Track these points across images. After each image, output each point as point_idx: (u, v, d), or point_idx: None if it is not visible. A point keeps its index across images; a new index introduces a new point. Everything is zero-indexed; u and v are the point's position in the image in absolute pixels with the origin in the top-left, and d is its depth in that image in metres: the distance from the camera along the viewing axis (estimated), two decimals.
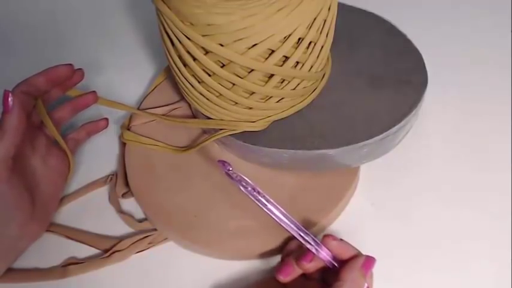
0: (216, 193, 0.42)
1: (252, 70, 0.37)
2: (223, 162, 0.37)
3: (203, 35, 0.35)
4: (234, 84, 0.38)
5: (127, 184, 0.44)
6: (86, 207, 0.44)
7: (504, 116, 0.48)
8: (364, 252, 0.34)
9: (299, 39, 0.36)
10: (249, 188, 0.36)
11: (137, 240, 0.41)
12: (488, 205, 0.41)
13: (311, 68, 0.39)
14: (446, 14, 0.59)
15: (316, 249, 0.34)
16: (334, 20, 0.39)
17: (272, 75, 0.37)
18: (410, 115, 0.40)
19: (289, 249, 0.37)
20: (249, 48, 0.35)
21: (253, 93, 0.38)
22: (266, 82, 0.38)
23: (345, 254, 0.34)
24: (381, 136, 0.39)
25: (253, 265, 0.39)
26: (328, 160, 0.40)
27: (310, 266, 0.34)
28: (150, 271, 0.40)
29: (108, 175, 0.46)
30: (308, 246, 0.34)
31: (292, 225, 0.35)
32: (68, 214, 0.44)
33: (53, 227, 0.42)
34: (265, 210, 0.36)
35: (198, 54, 0.36)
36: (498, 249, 0.39)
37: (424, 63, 0.44)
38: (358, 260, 0.33)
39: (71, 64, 0.41)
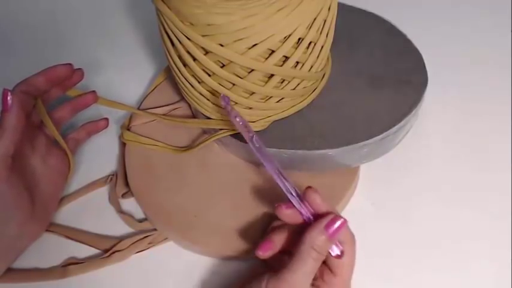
0: (216, 193, 0.42)
1: (252, 70, 0.37)
2: (224, 97, 0.37)
3: (203, 35, 0.35)
4: (234, 84, 0.38)
5: (127, 184, 0.44)
6: (86, 207, 0.44)
7: (504, 116, 0.48)
8: (364, 253, 0.34)
9: (299, 39, 0.36)
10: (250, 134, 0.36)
11: (137, 240, 0.41)
12: (488, 205, 0.41)
13: (311, 68, 0.39)
14: (446, 14, 0.59)
15: (298, 202, 0.33)
16: (334, 20, 0.39)
17: (272, 75, 0.37)
18: (410, 115, 0.40)
19: (271, 228, 0.36)
20: (249, 48, 0.35)
21: (253, 93, 0.38)
22: (266, 82, 0.38)
23: (320, 210, 0.33)
24: (381, 136, 0.39)
25: (254, 265, 0.39)
26: (328, 160, 0.40)
27: (287, 214, 0.33)
28: (150, 271, 0.40)
29: (108, 175, 0.46)
30: (289, 196, 0.33)
31: (277, 172, 0.34)
32: (68, 214, 0.44)
33: (53, 227, 0.42)
34: (254, 150, 0.36)
35: (198, 54, 0.36)
36: (498, 249, 0.39)
37: (424, 63, 0.44)
38: (322, 220, 0.32)
39: (70, 64, 0.42)
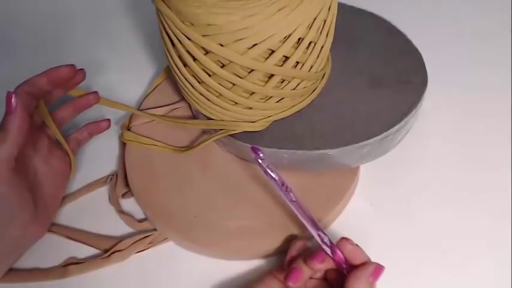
0: (216, 193, 0.42)
1: (252, 70, 0.37)
2: (255, 149, 0.36)
3: (203, 35, 0.35)
4: (234, 84, 0.38)
5: (127, 184, 0.44)
6: (86, 207, 0.44)
7: (504, 116, 0.48)
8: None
9: (299, 39, 0.36)
10: (277, 180, 0.36)
11: (137, 240, 0.41)
12: (488, 205, 0.41)
13: (311, 68, 0.39)
14: (446, 14, 0.59)
15: (331, 251, 0.33)
16: (334, 20, 0.39)
17: (272, 75, 0.37)
18: (410, 115, 0.40)
19: (293, 255, 0.36)
20: (249, 48, 0.35)
21: (253, 93, 0.38)
22: (266, 82, 0.38)
23: (357, 260, 0.33)
24: (381, 136, 0.39)
25: (253, 265, 0.39)
26: (328, 160, 0.40)
27: (321, 267, 0.33)
28: (150, 271, 0.40)
29: (108, 175, 0.46)
30: (323, 246, 0.33)
31: (311, 223, 0.35)
32: (68, 214, 0.44)
33: (53, 227, 0.42)
34: (289, 203, 0.36)
35: (198, 54, 0.36)
36: (498, 249, 0.39)
37: (424, 63, 0.45)
38: (368, 268, 0.32)
39: (73, 65, 0.42)
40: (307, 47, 0.37)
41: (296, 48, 0.36)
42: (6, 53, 0.59)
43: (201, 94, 0.40)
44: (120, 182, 0.45)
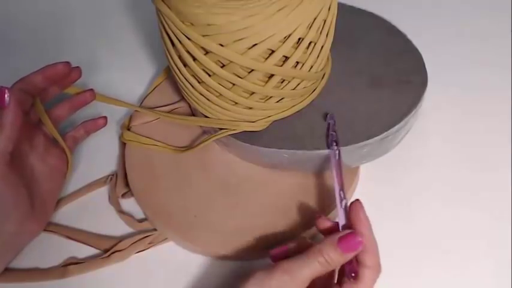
0: (216, 193, 0.42)
1: (252, 70, 0.37)
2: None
3: (203, 35, 0.35)
4: (234, 84, 0.38)
5: (127, 184, 0.44)
6: (86, 207, 0.44)
7: (504, 116, 0.48)
8: None
9: (299, 39, 0.36)
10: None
11: (137, 240, 0.41)
12: (488, 205, 0.41)
13: (311, 68, 0.39)
14: (446, 14, 0.59)
15: (343, 215, 0.33)
16: (334, 20, 0.39)
17: (272, 75, 0.37)
18: (410, 115, 0.40)
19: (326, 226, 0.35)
20: (249, 48, 0.35)
21: (253, 93, 0.38)
22: (266, 82, 0.38)
23: (359, 226, 0.32)
24: (381, 136, 0.39)
25: (253, 265, 0.39)
26: (328, 160, 0.39)
27: (326, 227, 0.34)
28: (150, 271, 0.40)
29: (108, 175, 0.46)
30: (338, 206, 0.34)
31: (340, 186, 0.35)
32: (68, 214, 0.44)
33: (53, 227, 0.42)
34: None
35: (198, 54, 0.36)
36: (498, 249, 0.39)
37: (424, 63, 0.44)
38: (337, 234, 0.31)
39: (68, 62, 0.42)
40: (307, 47, 0.37)
41: (296, 48, 0.36)
42: (6, 53, 0.59)
43: (201, 94, 0.40)
44: (120, 182, 0.45)
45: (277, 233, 0.39)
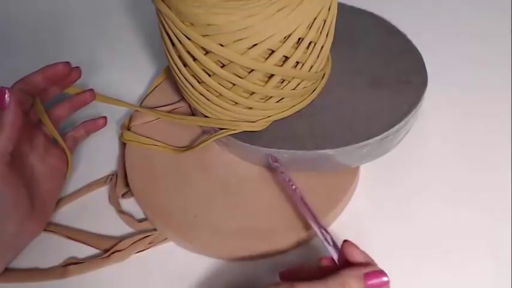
0: (216, 193, 0.42)
1: (252, 70, 0.37)
2: (273, 158, 0.39)
3: (203, 35, 0.35)
4: (234, 84, 0.38)
5: (127, 184, 0.44)
6: (86, 207, 0.44)
7: (504, 116, 0.48)
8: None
9: (299, 39, 0.36)
10: (290, 183, 0.38)
11: (137, 240, 0.41)
12: (488, 205, 0.41)
13: (311, 68, 0.39)
14: (446, 14, 0.59)
15: (335, 252, 0.34)
16: (334, 20, 0.39)
17: (272, 75, 0.37)
18: (410, 115, 0.40)
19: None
20: (249, 48, 0.35)
21: (253, 93, 0.38)
22: (266, 82, 0.38)
23: (357, 257, 0.32)
24: (381, 136, 0.39)
25: (253, 265, 0.39)
26: (328, 160, 0.40)
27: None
28: (150, 271, 0.40)
29: (108, 175, 0.46)
30: (326, 244, 0.34)
31: (315, 221, 0.36)
32: (68, 214, 0.44)
33: (53, 227, 0.42)
34: (295, 200, 0.37)
35: (198, 54, 0.36)
36: (498, 249, 0.39)
37: (424, 63, 0.44)
38: (366, 267, 0.31)
39: (68, 62, 0.42)
40: (307, 47, 0.37)
41: (296, 48, 0.36)
42: (6, 53, 0.59)
43: (201, 94, 0.40)
44: (120, 182, 0.45)
45: (277, 233, 0.39)
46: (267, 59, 0.36)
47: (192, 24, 0.35)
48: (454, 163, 0.44)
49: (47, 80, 0.41)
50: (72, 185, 0.45)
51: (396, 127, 0.39)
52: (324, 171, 0.42)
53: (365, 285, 0.30)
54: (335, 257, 0.34)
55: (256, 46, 0.35)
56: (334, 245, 0.34)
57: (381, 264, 0.34)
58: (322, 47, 0.39)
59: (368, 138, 0.39)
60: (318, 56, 0.39)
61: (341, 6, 0.44)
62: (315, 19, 0.36)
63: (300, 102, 0.42)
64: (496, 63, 0.52)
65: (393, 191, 0.43)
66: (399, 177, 0.44)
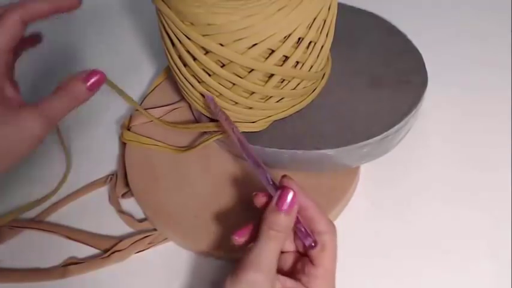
0: (216, 193, 0.42)
1: (252, 70, 0.37)
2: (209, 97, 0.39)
3: (203, 35, 0.35)
4: (234, 84, 0.38)
5: (127, 184, 0.44)
6: (86, 207, 0.44)
7: (504, 116, 0.48)
8: (365, 253, 0.34)
9: (299, 39, 0.36)
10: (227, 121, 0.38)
11: (137, 240, 0.41)
12: (488, 205, 0.41)
13: (311, 68, 0.39)
14: (446, 14, 0.59)
15: (274, 189, 0.32)
16: (334, 20, 0.39)
17: (272, 75, 0.37)
18: (410, 115, 0.40)
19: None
20: (249, 48, 0.35)
21: (253, 93, 0.38)
22: (266, 82, 0.38)
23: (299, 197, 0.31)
24: (381, 136, 0.39)
25: None
26: (328, 160, 0.40)
27: (264, 202, 0.33)
28: (150, 271, 0.40)
29: (108, 175, 0.46)
30: (265, 184, 0.33)
31: (256, 163, 0.35)
32: (68, 214, 0.44)
33: (53, 227, 0.42)
34: (233, 137, 0.37)
35: (198, 54, 0.36)
36: (498, 249, 0.39)
37: (424, 63, 0.44)
38: (273, 199, 0.31)
39: None
40: (307, 47, 0.37)
41: (296, 48, 0.36)
42: None
43: (201, 94, 0.40)
44: (120, 182, 0.45)
45: None
46: (267, 58, 0.36)
47: (192, 24, 0.35)
48: (454, 163, 0.44)
49: (51, 13, 0.33)
50: (72, 185, 0.45)
51: (396, 127, 0.39)
52: (324, 171, 0.42)
53: (283, 211, 0.30)
54: (274, 192, 0.32)
55: (256, 46, 0.35)
56: (274, 184, 0.33)
57: (381, 264, 0.34)
58: (322, 47, 0.39)
59: (368, 138, 0.39)
60: (318, 56, 0.39)
61: (341, 6, 0.44)
62: (315, 19, 0.36)
63: (300, 102, 0.42)
64: (496, 63, 0.52)
65: (393, 191, 0.43)
66: (399, 177, 0.44)
